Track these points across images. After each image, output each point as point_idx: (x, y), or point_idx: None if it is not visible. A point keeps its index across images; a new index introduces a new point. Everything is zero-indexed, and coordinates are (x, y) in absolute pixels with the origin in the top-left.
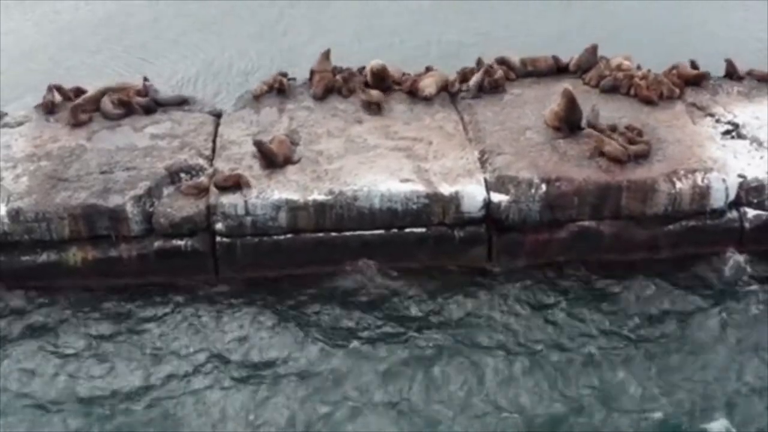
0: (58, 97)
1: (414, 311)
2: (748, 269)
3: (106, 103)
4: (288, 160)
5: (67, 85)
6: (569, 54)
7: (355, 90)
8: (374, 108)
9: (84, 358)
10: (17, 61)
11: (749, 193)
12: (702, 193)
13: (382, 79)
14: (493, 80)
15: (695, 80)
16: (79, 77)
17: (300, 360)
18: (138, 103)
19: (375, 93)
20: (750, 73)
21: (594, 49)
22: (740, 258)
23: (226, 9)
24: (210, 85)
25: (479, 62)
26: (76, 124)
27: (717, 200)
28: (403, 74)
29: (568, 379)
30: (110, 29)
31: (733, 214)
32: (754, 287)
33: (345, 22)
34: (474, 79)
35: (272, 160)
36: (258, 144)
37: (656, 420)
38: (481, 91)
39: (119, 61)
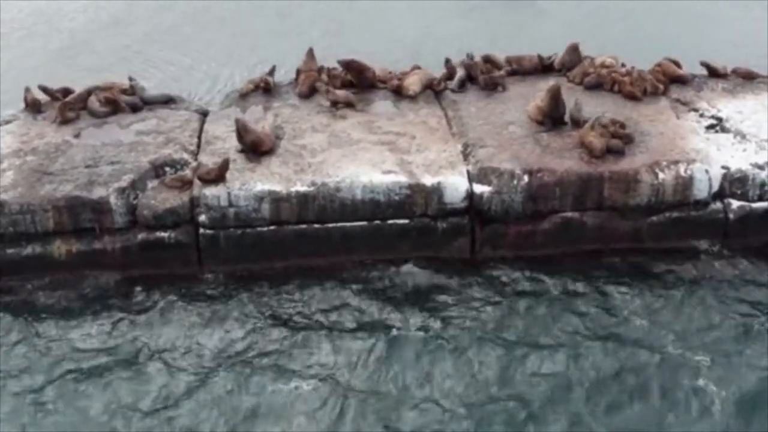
0: (40, 96)
1: (397, 303)
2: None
3: (93, 102)
4: (259, 145)
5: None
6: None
7: (337, 87)
8: (342, 107)
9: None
10: (21, 64)
11: (733, 184)
12: (685, 184)
13: (359, 72)
14: (489, 77)
15: (679, 78)
16: (83, 79)
17: (283, 351)
18: (124, 102)
19: (341, 93)
20: (734, 71)
21: (575, 47)
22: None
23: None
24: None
25: (463, 60)
26: (63, 122)
27: (700, 191)
28: (390, 72)
29: (554, 366)
30: (116, 32)
31: (717, 205)
32: (737, 279)
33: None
34: (458, 75)
35: (242, 138)
36: (236, 121)
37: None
38: (464, 87)
39: (124, 63)
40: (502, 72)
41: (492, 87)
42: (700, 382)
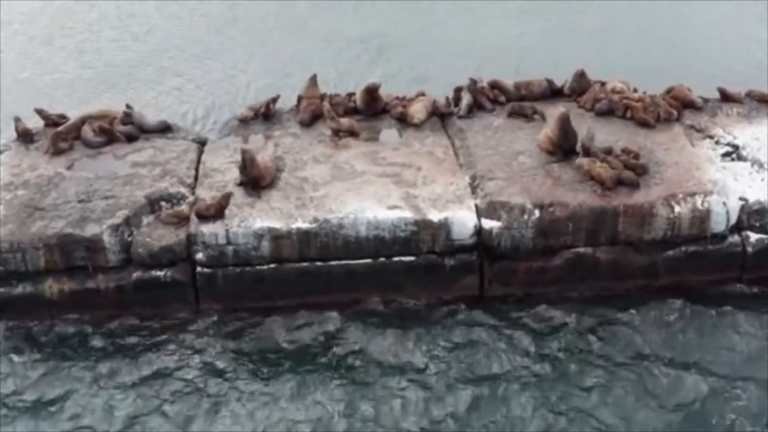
0: (32, 123)
1: (404, 343)
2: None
3: (87, 131)
4: (261, 179)
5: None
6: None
7: (340, 115)
8: (344, 136)
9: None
10: (18, 90)
11: (751, 216)
12: (702, 217)
13: (374, 99)
14: (519, 105)
15: (692, 103)
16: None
17: (281, 398)
18: (120, 131)
19: (344, 121)
20: (749, 94)
21: (581, 73)
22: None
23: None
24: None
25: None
26: (56, 153)
27: (718, 224)
28: (396, 98)
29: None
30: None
31: (735, 238)
32: (757, 314)
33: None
34: (465, 101)
35: (246, 170)
36: (244, 152)
37: None
38: (471, 112)
39: (127, 82)
40: (530, 107)
41: (524, 117)
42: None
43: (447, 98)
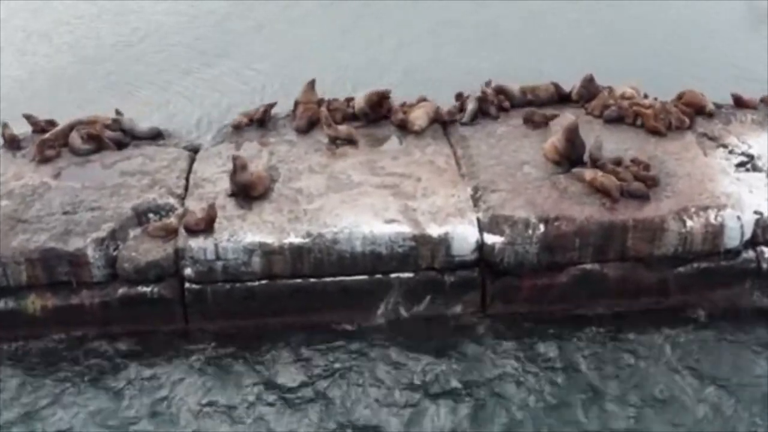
0: (21, 130)
1: (401, 364)
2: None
3: (75, 138)
4: (251, 188)
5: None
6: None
7: (338, 121)
8: (342, 144)
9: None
10: (17, 88)
11: (766, 231)
12: (715, 232)
13: (381, 104)
14: (531, 111)
15: (704, 110)
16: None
17: (272, 423)
18: (109, 138)
19: (342, 128)
20: (764, 100)
21: (590, 78)
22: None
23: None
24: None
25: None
26: (43, 161)
27: (731, 239)
28: (401, 104)
29: None
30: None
31: (749, 254)
32: None
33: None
34: (470, 107)
35: (235, 177)
36: (235, 158)
37: None
38: (476, 119)
39: (114, 95)
40: (540, 115)
41: (535, 125)
42: None
43: (453, 106)
